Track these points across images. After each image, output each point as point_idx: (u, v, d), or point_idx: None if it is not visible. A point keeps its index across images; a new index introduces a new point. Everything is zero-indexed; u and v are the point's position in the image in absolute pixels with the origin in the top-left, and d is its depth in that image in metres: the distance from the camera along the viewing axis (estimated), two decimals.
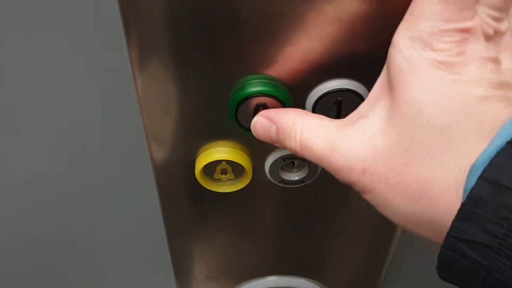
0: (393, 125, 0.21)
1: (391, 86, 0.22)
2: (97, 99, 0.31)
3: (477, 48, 0.20)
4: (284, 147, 0.26)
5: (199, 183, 0.32)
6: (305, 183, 0.32)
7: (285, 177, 0.31)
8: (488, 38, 0.20)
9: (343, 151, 0.23)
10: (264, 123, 0.26)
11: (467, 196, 0.19)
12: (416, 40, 0.20)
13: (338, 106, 0.26)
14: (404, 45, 0.21)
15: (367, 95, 0.26)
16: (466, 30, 0.20)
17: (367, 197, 0.23)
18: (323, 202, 0.35)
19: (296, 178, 0.31)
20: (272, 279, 0.42)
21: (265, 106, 0.27)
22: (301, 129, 0.24)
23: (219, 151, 0.30)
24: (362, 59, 0.25)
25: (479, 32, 0.20)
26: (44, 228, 0.40)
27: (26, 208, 0.39)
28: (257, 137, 0.27)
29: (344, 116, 0.27)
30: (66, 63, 0.30)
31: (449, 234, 0.20)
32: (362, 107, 0.23)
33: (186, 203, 0.35)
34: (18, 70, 0.30)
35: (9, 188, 0.37)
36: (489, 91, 0.20)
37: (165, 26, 0.25)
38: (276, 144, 0.26)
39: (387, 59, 0.22)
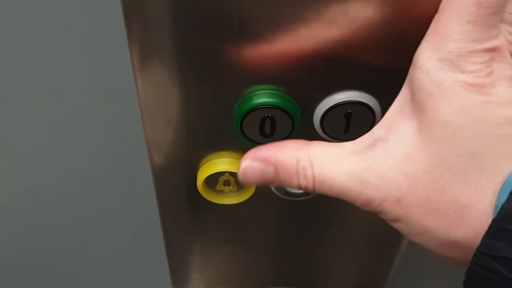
0: (425, 149, 0.21)
1: (418, 108, 0.21)
2: (98, 107, 0.30)
3: (504, 67, 0.20)
4: (288, 186, 0.24)
5: (201, 194, 0.31)
6: (310, 196, 0.31)
7: (289, 190, 0.31)
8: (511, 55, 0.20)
9: (374, 181, 0.21)
10: (256, 167, 0.24)
11: (498, 212, 0.19)
12: (444, 62, 0.20)
13: (348, 119, 0.26)
14: (432, 67, 0.20)
15: (378, 108, 0.25)
16: (494, 50, 0.19)
17: (399, 226, 0.22)
18: (327, 214, 0.35)
19: (301, 191, 0.31)
20: None
21: (272, 118, 0.26)
22: (311, 164, 0.23)
23: (222, 162, 0.29)
24: (374, 71, 0.25)
25: (505, 50, 0.20)
26: (43, 234, 0.39)
27: (25, 215, 0.38)
28: (248, 185, 0.24)
29: (353, 129, 0.26)
30: (67, 68, 0.29)
31: (478, 250, 0.19)
32: (377, 129, 0.22)
33: (186, 214, 0.34)
34: (16, 74, 0.29)
35: (8, 194, 0.36)
36: None
37: (169, 34, 0.24)
38: (274, 185, 0.24)
39: (409, 80, 0.22)
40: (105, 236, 0.40)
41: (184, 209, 0.34)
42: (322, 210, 0.34)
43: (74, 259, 0.42)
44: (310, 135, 0.27)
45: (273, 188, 0.31)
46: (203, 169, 0.30)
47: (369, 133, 0.23)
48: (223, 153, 0.29)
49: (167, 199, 0.33)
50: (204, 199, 0.31)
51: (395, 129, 0.22)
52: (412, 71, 0.21)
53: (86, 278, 0.44)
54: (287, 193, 0.31)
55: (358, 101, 0.25)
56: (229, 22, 0.23)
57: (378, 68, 0.24)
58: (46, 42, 0.28)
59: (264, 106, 0.25)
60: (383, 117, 0.23)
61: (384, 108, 0.25)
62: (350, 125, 0.26)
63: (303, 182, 0.23)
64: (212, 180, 0.30)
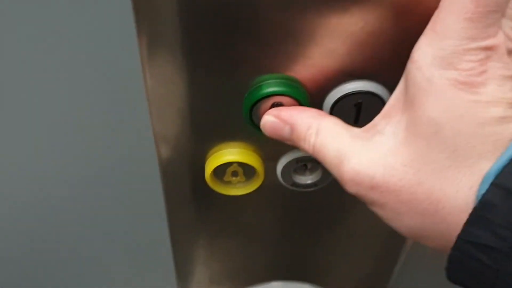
0: (408, 144, 0.21)
1: (408, 102, 0.21)
2: (106, 98, 0.30)
3: (499, 66, 0.20)
4: (296, 146, 0.26)
5: (207, 185, 0.31)
6: (318, 187, 0.31)
7: (297, 180, 0.31)
8: (510, 53, 0.20)
9: (352, 164, 0.23)
10: (275, 123, 0.26)
11: (479, 201, 0.19)
12: (438, 58, 0.20)
13: (358, 109, 0.26)
14: (425, 63, 0.20)
15: (388, 98, 0.25)
16: (490, 48, 0.19)
17: (375, 209, 0.23)
18: (333, 207, 0.34)
19: (309, 182, 0.31)
20: (276, 285, 0.41)
21: (281, 106, 0.26)
22: (316, 133, 0.24)
23: (231, 153, 0.29)
24: (385, 60, 0.25)
25: (502, 49, 0.20)
26: (46, 228, 0.39)
27: (27, 208, 0.38)
28: (266, 135, 0.27)
29: (363, 120, 0.26)
30: (74, 60, 0.29)
31: (459, 237, 0.20)
32: (378, 121, 0.23)
33: (193, 206, 0.34)
34: (22, 68, 0.29)
35: (10, 188, 0.36)
36: (507, 111, 0.20)
37: (178, 24, 0.24)
38: (287, 142, 0.26)
39: (405, 74, 0.22)
40: (109, 228, 0.39)
41: (191, 201, 0.34)
42: (328, 204, 0.34)
43: (77, 252, 0.42)
44: None
45: (280, 179, 0.30)
46: (211, 160, 0.30)
47: (372, 123, 0.23)
48: (231, 143, 0.29)
49: (174, 191, 0.33)
50: (211, 190, 0.31)
51: (389, 121, 0.22)
52: (408, 65, 0.21)
53: (88, 269, 0.43)
54: (294, 184, 0.31)
55: (368, 91, 0.25)
56: (238, 12, 0.23)
57: (390, 58, 0.25)
58: (52, 33, 0.28)
59: (274, 95, 0.25)
60: (384, 108, 0.23)
61: None
62: (360, 115, 0.26)
63: (306, 146, 0.25)
64: (220, 171, 0.30)
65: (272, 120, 0.26)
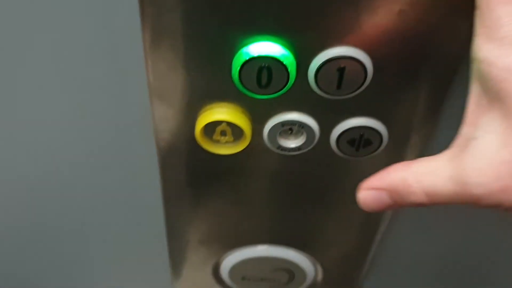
0: None
1: (494, 99, 0.22)
2: (102, 55, 0.31)
3: None
4: (405, 206, 0.25)
5: (198, 145, 0.32)
6: (302, 151, 0.32)
7: (282, 144, 0.32)
8: None
9: (475, 180, 0.22)
10: (373, 195, 0.26)
11: None
12: (503, 47, 0.21)
13: (341, 74, 0.27)
14: (494, 56, 0.21)
15: (369, 65, 0.27)
16: None
17: None
18: (318, 173, 0.36)
19: (293, 146, 0.32)
20: (262, 248, 0.42)
21: (268, 68, 0.27)
22: (417, 181, 0.24)
23: (220, 112, 0.31)
24: (369, 28, 0.26)
25: None
26: (40, 197, 0.40)
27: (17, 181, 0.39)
28: (372, 212, 0.27)
29: (346, 85, 0.27)
30: (69, 19, 0.30)
31: None
32: (465, 131, 0.23)
33: (184, 165, 0.35)
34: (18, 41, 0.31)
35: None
36: None
37: None
38: (394, 208, 0.26)
39: (476, 76, 0.23)
40: (101, 187, 0.41)
41: (183, 159, 0.35)
42: (313, 169, 0.35)
43: (70, 216, 0.43)
44: (305, 89, 0.28)
45: (266, 142, 0.32)
46: (201, 118, 0.31)
47: (459, 135, 0.24)
48: (222, 103, 0.31)
49: (167, 148, 0.34)
50: (202, 150, 0.33)
51: (480, 123, 0.23)
52: (476, 66, 0.22)
53: (78, 232, 0.45)
54: (280, 147, 0.32)
55: (351, 56, 0.26)
56: None
57: (373, 25, 0.26)
58: (59, 21, 0.29)
59: (261, 56, 0.27)
60: (466, 116, 0.24)
61: (377, 65, 0.27)
62: (342, 80, 0.27)
63: (416, 199, 0.24)
64: (210, 129, 0.31)
65: (366, 194, 0.26)
